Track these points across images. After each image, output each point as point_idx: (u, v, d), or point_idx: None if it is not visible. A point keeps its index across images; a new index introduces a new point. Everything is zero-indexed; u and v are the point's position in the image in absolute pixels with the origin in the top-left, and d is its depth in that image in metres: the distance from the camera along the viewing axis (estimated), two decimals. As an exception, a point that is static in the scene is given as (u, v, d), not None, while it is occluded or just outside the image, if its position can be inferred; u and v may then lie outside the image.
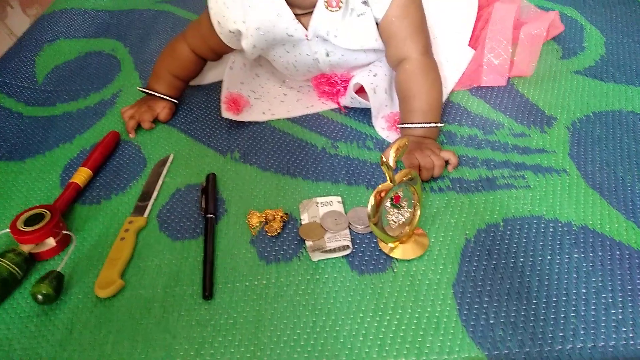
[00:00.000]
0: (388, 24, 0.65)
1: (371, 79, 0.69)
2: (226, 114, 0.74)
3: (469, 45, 0.77)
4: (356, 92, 0.70)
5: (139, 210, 0.61)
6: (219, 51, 0.74)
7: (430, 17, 0.73)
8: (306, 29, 0.66)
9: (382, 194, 0.50)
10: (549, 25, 0.76)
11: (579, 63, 0.80)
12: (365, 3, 0.64)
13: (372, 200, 0.50)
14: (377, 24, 0.66)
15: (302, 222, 0.58)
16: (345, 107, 0.75)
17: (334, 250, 0.54)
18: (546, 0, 0.97)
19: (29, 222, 0.56)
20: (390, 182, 0.50)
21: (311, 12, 0.64)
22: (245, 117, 0.75)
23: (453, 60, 0.75)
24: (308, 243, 0.55)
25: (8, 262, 0.52)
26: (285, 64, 0.74)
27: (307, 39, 0.67)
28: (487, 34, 0.74)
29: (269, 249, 0.56)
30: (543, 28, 0.74)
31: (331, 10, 0.64)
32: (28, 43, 0.94)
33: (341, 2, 0.63)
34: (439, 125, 0.65)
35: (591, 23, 0.90)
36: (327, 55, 0.70)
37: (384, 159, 0.49)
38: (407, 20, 0.64)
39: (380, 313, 0.48)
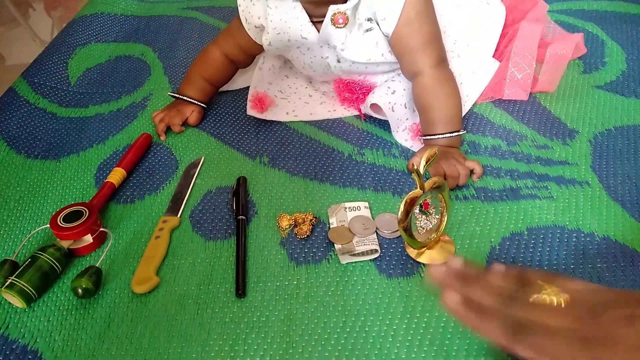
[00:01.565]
0: (398, 40, 0.66)
1: (389, 98, 0.71)
2: (251, 111, 0.77)
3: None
4: (375, 106, 0.72)
5: (172, 210, 0.63)
6: (249, 50, 0.77)
7: (457, 30, 0.75)
8: (319, 32, 0.68)
9: (412, 200, 0.52)
10: (574, 45, 0.78)
11: (600, 78, 0.82)
12: (370, 20, 0.66)
13: (402, 206, 0.51)
14: (388, 38, 0.68)
15: (331, 226, 0.60)
16: (366, 115, 0.76)
17: (363, 253, 0.56)
18: (568, 16, 0.99)
19: (68, 218, 0.58)
20: (420, 189, 0.52)
21: (322, 21, 0.66)
22: (269, 115, 0.77)
23: (479, 72, 0.76)
24: (337, 246, 0.57)
25: (49, 257, 0.54)
26: (303, 64, 0.76)
27: (319, 45, 0.70)
28: (513, 48, 0.75)
29: (298, 250, 0.58)
30: (569, 49, 0.76)
31: (337, 27, 0.66)
32: (61, 46, 0.97)
33: (347, 19, 0.65)
34: (461, 133, 0.67)
35: (612, 39, 0.91)
36: (338, 61, 0.72)
37: (415, 167, 0.51)
38: (418, 35, 0.65)
39: (408, 315, 0.50)
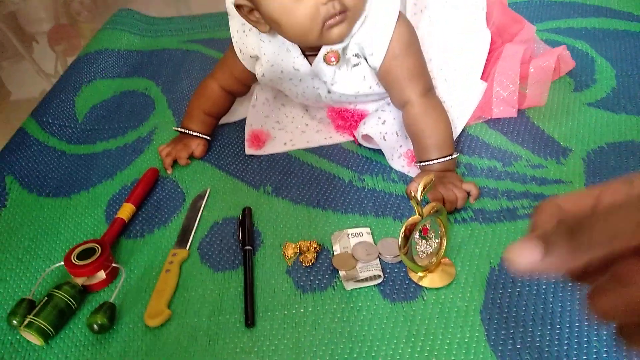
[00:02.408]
0: (386, 73, 0.69)
1: (379, 128, 0.73)
2: (249, 150, 0.80)
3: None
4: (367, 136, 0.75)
5: (181, 242, 0.65)
6: (244, 80, 0.80)
7: (443, 56, 0.78)
8: (311, 64, 0.71)
9: (412, 227, 0.54)
10: (558, 60, 0.81)
11: (591, 95, 0.84)
12: (357, 56, 0.69)
13: (402, 233, 0.54)
14: (375, 71, 0.70)
15: (335, 253, 0.62)
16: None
17: (366, 279, 0.58)
18: (557, 34, 1.02)
19: (81, 256, 0.60)
20: (419, 215, 0.54)
21: (315, 54, 0.69)
22: (267, 150, 0.80)
23: (467, 94, 0.78)
24: (341, 273, 0.59)
25: (64, 294, 0.56)
26: (296, 94, 0.79)
27: (311, 77, 0.73)
28: (497, 69, 0.78)
29: (304, 278, 0.59)
30: (551, 60, 0.79)
31: (329, 65, 0.69)
32: (67, 84, 1.01)
33: (338, 57, 0.68)
34: (454, 156, 0.69)
35: (601, 56, 0.94)
36: (329, 92, 0.75)
37: (413, 194, 0.53)
38: (404, 68, 0.68)
39: (412, 339, 0.52)
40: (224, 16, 1.26)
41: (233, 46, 0.76)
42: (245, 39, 0.73)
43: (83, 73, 1.04)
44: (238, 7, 0.66)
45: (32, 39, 1.71)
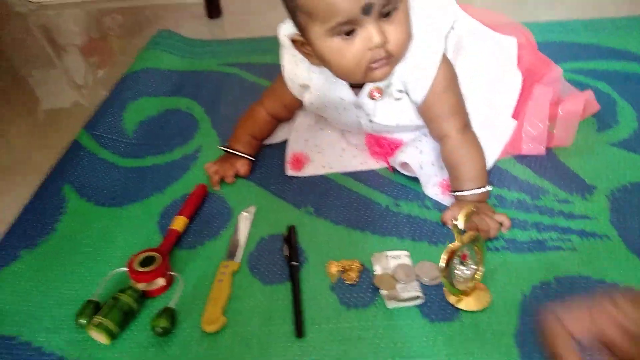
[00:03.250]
0: (427, 108, 0.74)
1: (418, 157, 0.78)
2: (290, 172, 0.85)
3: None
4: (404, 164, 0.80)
5: (231, 255, 0.70)
6: (291, 107, 0.86)
7: (478, 95, 0.84)
8: (356, 95, 0.76)
9: (452, 253, 0.59)
10: (585, 103, 0.86)
11: (614, 135, 0.89)
12: (400, 91, 0.75)
13: (444, 258, 0.58)
14: (416, 105, 0.75)
15: (375, 273, 0.66)
16: (394, 168, 0.83)
17: (407, 299, 0.62)
18: (579, 75, 1.07)
19: (142, 263, 0.65)
20: (459, 242, 0.59)
21: (361, 86, 0.74)
22: (306, 172, 0.85)
23: (499, 131, 0.84)
24: (383, 292, 0.63)
25: (128, 298, 0.61)
26: (338, 121, 0.85)
27: (354, 107, 0.78)
28: (528, 109, 0.83)
29: (348, 295, 0.64)
30: (580, 106, 0.84)
31: (373, 99, 0.75)
32: (115, 100, 1.06)
33: (382, 92, 0.74)
34: (488, 189, 0.74)
35: (623, 98, 0.99)
36: (370, 121, 0.80)
37: (454, 222, 0.58)
38: (445, 105, 0.73)
39: (452, 358, 0.56)
40: (257, 42, 1.34)
41: (283, 76, 0.81)
42: (296, 69, 0.79)
43: (130, 90, 1.10)
44: (293, 41, 0.72)
45: (62, 49, 1.78)
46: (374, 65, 0.67)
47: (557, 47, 1.19)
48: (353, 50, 0.65)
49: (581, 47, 1.19)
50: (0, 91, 1.39)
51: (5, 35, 1.85)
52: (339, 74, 0.71)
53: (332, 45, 0.66)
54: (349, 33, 0.64)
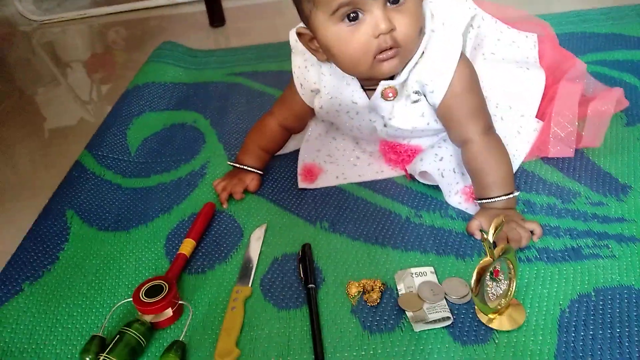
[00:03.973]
0: (446, 111, 0.69)
1: (437, 165, 0.73)
2: (302, 184, 0.81)
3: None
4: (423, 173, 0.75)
5: (243, 279, 0.66)
6: (303, 116, 0.82)
7: (498, 94, 0.79)
8: (369, 98, 0.72)
9: (483, 269, 0.54)
10: (615, 101, 0.80)
11: (645, 130, 0.84)
12: (417, 93, 0.70)
13: (474, 276, 0.53)
14: (434, 108, 0.71)
15: (399, 292, 0.62)
16: (412, 175, 0.79)
17: (435, 321, 0.57)
18: (603, 67, 1.02)
19: (148, 293, 0.61)
20: (491, 257, 0.54)
21: (374, 89, 0.70)
22: (320, 183, 0.81)
23: (523, 132, 0.79)
24: (409, 314, 0.59)
25: (135, 332, 0.57)
26: (350, 127, 0.80)
27: (368, 110, 0.74)
28: (554, 108, 0.78)
29: (370, 318, 0.59)
30: (611, 105, 0.78)
31: (387, 100, 0.70)
32: (118, 117, 1.03)
33: (396, 93, 0.69)
34: (516, 194, 0.69)
35: (650, 89, 0.93)
36: (385, 126, 0.75)
37: (485, 236, 0.53)
38: (465, 107, 0.69)
39: (488, 384, 0.51)
40: (262, 49, 1.30)
41: (293, 83, 0.78)
42: (307, 73, 0.75)
43: (133, 105, 1.07)
44: (299, 34, 0.68)
45: (66, 65, 1.76)
46: (382, 56, 0.63)
47: (577, 39, 1.14)
48: (358, 37, 0.62)
49: (602, 37, 1.14)
50: (6, 111, 1.37)
51: (11, 55, 1.84)
52: (345, 65, 0.67)
53: (337, 32, 0.63)
54: (354, 19, 0.61)
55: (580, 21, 1.22)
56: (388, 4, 0.61)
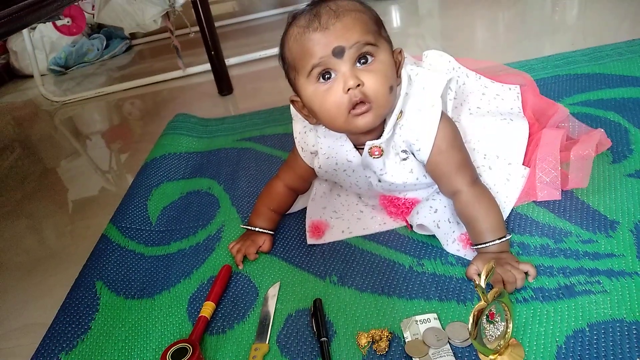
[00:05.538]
0: (434, 167, 0.76)
1: (432, 217, 0.79)
2: (310, 240, 0.87)
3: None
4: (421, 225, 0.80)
5: (260, 336, 0.71)
6: (306, 176, 0.89)
7: (485, 146, 0.85)
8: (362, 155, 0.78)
9: (479, 313, 0.58)
10: (597, 143, 0.86)
11: (630, 166, 0.88)
12: (405, 152, 0.77)
13: (471, 319, 0.58)
14: (423, 164, 0.77)
15: (406, 340, 0.66)
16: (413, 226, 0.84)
17: (440, 365, 0.62)
18: (588, 107, 1.08)
19: (174, 355, 0.66)
20: (485, 302, 0.58)
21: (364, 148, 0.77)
22: (327, 238, 0.87)
23: (511, 179, 0.84)
24: None
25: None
26: (349, 184, 0.87)
27: (362, 167, 0.80)
28: (538, 155, 0.83)
29: (380, 366, 0.64)
30: (591, 149, 0.84)
31: (374, 157, 0.77)
32: (139, 189, 1.11)
33: (382, 151, 0.76)
34: (508, 237, 0.74)
35: (634, 125, 0.99)
36: (379, 181, 0.82)
37: (477, 282, 0.58)
38: (451, 162, 0.75)
39: (492, 423, 0.55)
40: (269, 113, 1.39)
41: (295, 147, 0.85)
42: (306, 137, 0.83)
43: (151, 177, 1.15)
44: (293, 102, 0.77)
45: (86, 137, 1.87)
46: (356, 111, 0.69)
47: (563, 81, 1.21)
48: (331, 93, 0.69)
49: (586, 77, 1.20)
50: (31, 186, 1.46)
51: (34, 133, 1.96)
52: (326, 122, 0.74)
53: (314, 91, 0.71)
54: (328, 78, 0.69)
55: (565, 63, 1.29)
56: (358, 64, 0.69)
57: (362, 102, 0.69)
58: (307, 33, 0.68)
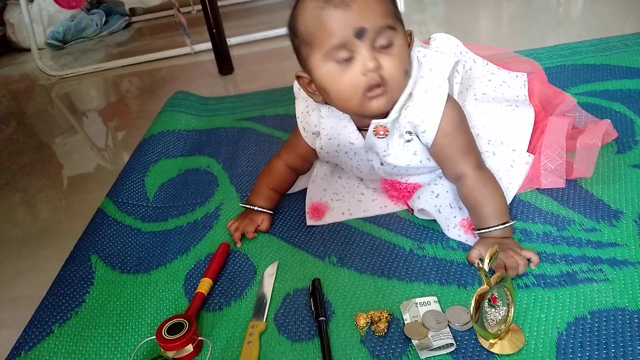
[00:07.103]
0: (439, 149, 0.75)
1: (434, 202, 0.78)
2: (310, 221, 0.86)
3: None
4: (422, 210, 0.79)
5: (258, 314, 0.70)
6: (307, 157, 0.88)
7: (490, 131, 0.84)
8: (364, 139, 0.77)
9: (481, 297, 0.57)
10: (603, 134, 0.85)
11: (634, 157, 0.87)
12: (410, 133, 0.75)
13: (473, 303, 0.57)
14: (427, 147, 0.76)
15: (405, 322, 0.65)
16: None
17: (440, 347, 0.61)
18: (593, 97, 1.07)
19: (170, 330, 0.65)
20: (487, 285, 0.58)
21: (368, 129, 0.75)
22: (327, 220, 0.86)
23: (515, 166, 0.83)
24: (414, 342, 0.62)
25: (159, 368, 0.61)
26: (351, 167, 0.85)
27: (365, 150, 0.79)
28: (544, 142, 0.82)
29: (379, 348, 0.63)
30: (598, 138, 0.83)
31: (378, 137, 0.75)
32: (136, 165, 1.09)
33: (387, 131, 0.74)
34: (511, 223, 0.73)
35: (639, 116, 0.98)
36: (382, 164, 0.80)
37: (481, 266, 0.57)
38: (456, 145, 0.74)
39: (491, 406, 0.54)
40: (269, 94, 1.37)
41: (297, 127, 0.84)
42: (308, 117, 0.82)
43: (149, 153, 1.13)
44: (298, 77, 0.75)
45: (82, 114, 1.85)
46: (370, 94, 0.68)
47: (569, 71, 1.20)
48: (349, 74, 0.68)
49: (592, 68, 1.19)
50: (26, 161, 1.44)
51: (30, 108, 1.93)
52: (338, 103, 0.72)
53: (330, 71, 0.68)
54: (345, 59, 0.67)
55: (571, 54, 1.28)
56: (377, 47, 0.67)
57: (377, 86, 0.68)
58: (326, 8, 0.66)
